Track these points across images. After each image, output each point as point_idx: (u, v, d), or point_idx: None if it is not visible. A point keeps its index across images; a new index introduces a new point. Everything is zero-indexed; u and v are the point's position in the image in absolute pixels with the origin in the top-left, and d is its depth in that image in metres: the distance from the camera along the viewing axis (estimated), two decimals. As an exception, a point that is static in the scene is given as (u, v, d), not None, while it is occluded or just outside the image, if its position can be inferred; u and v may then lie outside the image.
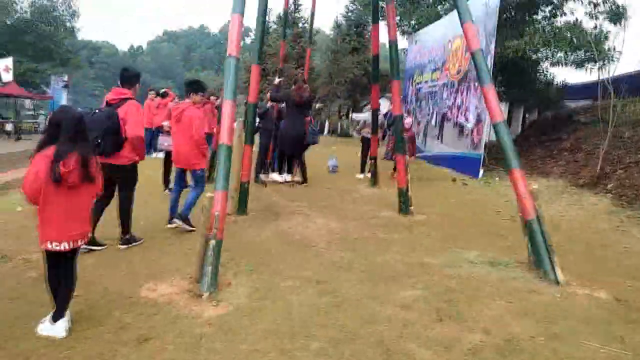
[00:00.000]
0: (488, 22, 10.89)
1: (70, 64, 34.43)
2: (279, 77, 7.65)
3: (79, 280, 3.29)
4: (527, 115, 20.82)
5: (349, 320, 3.44)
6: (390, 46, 7.08)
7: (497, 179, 10.51)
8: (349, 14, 25.31)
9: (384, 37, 7.33)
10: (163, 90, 12.16)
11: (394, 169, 8.75)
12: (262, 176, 7.44)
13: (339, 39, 25.21)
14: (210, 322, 3.34)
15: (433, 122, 14.68)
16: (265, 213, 6.78)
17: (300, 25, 28.98)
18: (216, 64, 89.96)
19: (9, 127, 22.43)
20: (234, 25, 4.57)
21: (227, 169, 4.16)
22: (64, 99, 28.31)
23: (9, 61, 24.07)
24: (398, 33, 21.53)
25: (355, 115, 13.36)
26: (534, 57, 13.67)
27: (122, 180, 5.00)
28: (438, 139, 14.06)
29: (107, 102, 5.01)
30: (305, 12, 29.17)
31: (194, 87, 5.82)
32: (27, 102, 30.15)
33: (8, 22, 30.35)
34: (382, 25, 9.51)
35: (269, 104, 8.37)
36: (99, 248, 4.86)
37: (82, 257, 4.46)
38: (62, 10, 32.92)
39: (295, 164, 8.06)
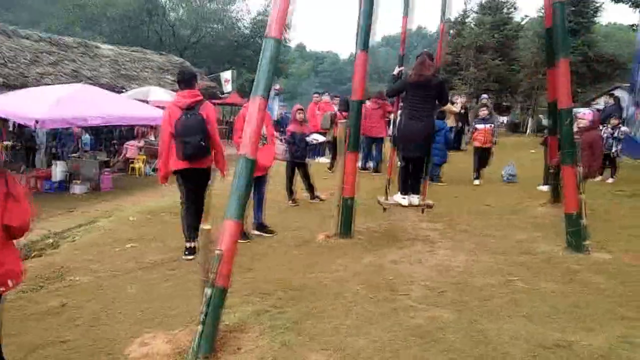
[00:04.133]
0: None
1: (284, 73, 37.70)
2: (399, 66, 5.39)
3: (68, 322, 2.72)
4: None
5: None
6: (554, 8, 4.97)
7: None
8: (565, -10, 21.09)
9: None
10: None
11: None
12: (379, 198, 5.47)
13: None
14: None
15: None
16: (378, 236, 5.50)
17: (505, 11, 25.69)
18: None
19: None
20: (276, 1, 3.54)
21: (245, 191, 3.11)
22: (276, 105, 31.22)
23: (228, 74, 27.55)
24: (628, 6, 17.09)
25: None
26: None
27: (204, 184, 4.77)
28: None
29: (187, 106, 4.59)
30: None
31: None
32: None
33: (232, 40, 35.03)
34: None
35: None
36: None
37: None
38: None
39: (422, 179, 5.67)
